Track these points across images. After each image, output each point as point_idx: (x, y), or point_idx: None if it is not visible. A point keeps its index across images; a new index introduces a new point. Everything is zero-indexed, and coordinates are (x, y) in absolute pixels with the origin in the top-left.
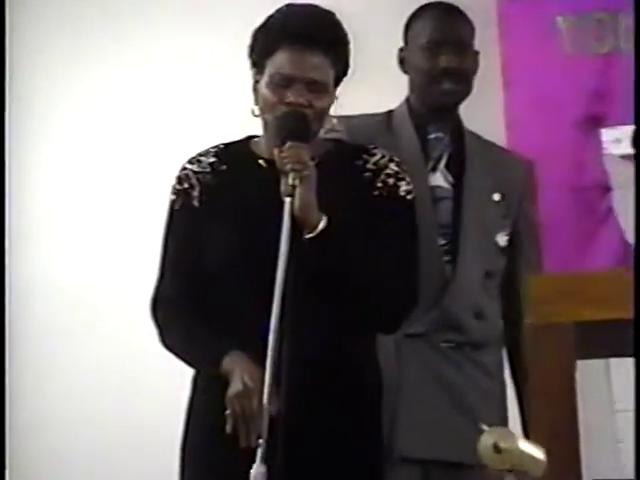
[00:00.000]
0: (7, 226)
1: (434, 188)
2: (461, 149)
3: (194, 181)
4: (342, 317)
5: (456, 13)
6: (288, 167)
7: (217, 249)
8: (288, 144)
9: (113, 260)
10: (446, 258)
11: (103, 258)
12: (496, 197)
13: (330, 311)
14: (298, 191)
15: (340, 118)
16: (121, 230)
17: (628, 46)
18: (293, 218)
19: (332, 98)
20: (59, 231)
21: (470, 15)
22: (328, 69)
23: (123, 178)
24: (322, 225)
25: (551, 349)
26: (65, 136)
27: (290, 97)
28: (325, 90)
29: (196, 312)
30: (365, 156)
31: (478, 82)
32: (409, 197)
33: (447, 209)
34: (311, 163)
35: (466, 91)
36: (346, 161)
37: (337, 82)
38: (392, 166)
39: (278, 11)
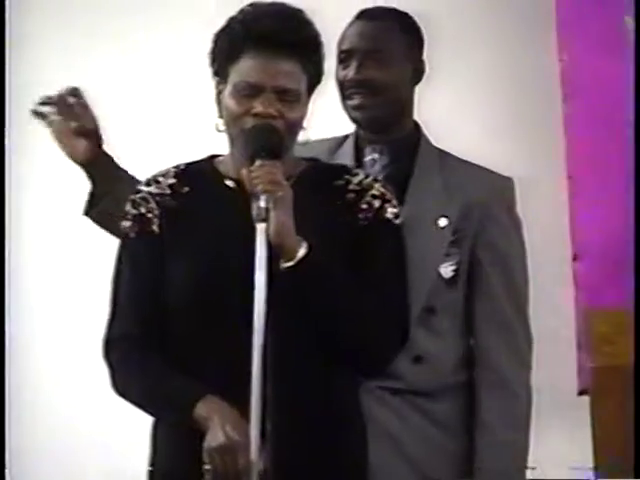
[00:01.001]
0: (7, 229)
1: None
2: (406, 172)
3: (152, 205)
4: (326, 357)
5: (383, 19)
6: (260, 188)
7: (181, 280)
8: (258, 162)
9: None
10: None
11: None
12: (442, 222)
13: (313, 350)
14: (273, 215)
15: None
16: None
17: None
18: (269, 245)
19: (306, 108)
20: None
21: (523, 15)
22: (300, 75)
23: None
24: (302, 253)
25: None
26: None
27: (258, 107)
28: (297, 99)
29: (158, 352)
30: (347, 176)
31: (532, 94)
32: (397, 221)
33: None
34: (285, 183)
35: (385, 106)
36: (325, 181)
37: (310, 90)
38: (378, 187)
39: (241, 12)
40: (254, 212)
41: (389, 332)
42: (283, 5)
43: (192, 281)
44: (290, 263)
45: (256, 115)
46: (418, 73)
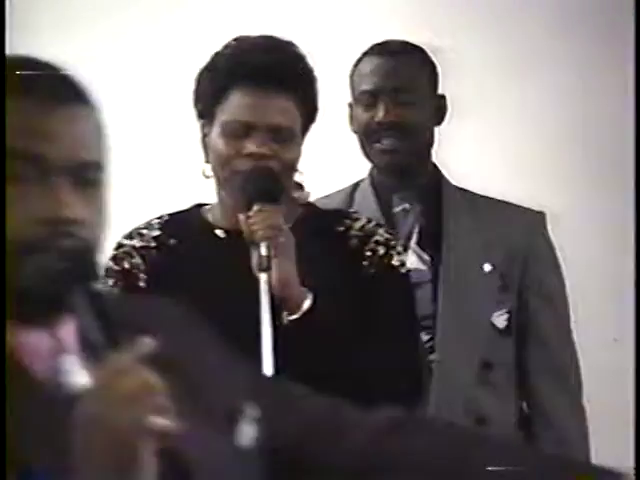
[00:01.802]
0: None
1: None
2: (437, 217)
3: (137, 259)
4: None
5: (403, 54)
6: (260, 234)
7: None
8: (256, 207)
9: None
10: (433, 357)
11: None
12: (487, 268)
13: None
14: (275, 263)
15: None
16: None
17: None
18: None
19: (300, 149)
20: None
21: (596, 32)
22: (294, 113)
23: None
24: (307, 304)
25: None
26: None
27: (250, 147)
28: (292, 138)
29: None
30: (347, 221)
31: (605, 148)
32: (403, 269)
33: (427, 296)
34: (286, 227)
35: (419, 146)
36: (325, 227)
37: (305, 129)
38: (381, 232)
39: (226, 46)
40: (254, 261)
41: (399, 387)
42: (272, 38)
43: None
44: (295, 316)
45: (249, 155)
46: (441, 111)
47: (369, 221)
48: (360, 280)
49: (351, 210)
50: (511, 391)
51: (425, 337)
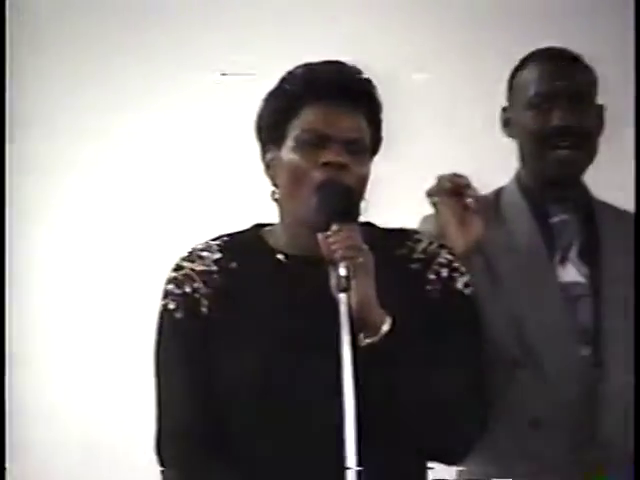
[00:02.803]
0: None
1: (567, 285)
2: (594, 229)
3: (198, 284)
4: (399, 445)
5: (568, 59)
6: (339, 255)
7: (238, 369)
8: (335, 226)
9: (117, 259)
10: (594, 373)
11: (107, 258)
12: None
13: (387, 439)
14: (354, 284)
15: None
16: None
17: None
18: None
19: (370, 168)
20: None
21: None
22: (366, 130)
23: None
24: (386, 327)
25: None
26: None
27: (328, 156)
28: (365, 154)
29: (217, 452)
30: (409, 243)
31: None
32: (467, 291)
33: (586, 309)
34: (365, 247)
35: (589, 157)
36: (386, 250)
37: (371, 152)
38: (444, 254)
39: (293, 71)
40: (333, 282)
41: (470, 419)
42: (340, 62)
43: (252, 369)
44: (373, 339)
45: (326, 165)
46: (601, 121)
47: (431, 242)
48: (424, 304)
49: (412, 230)
50: None
51: (584, 352)
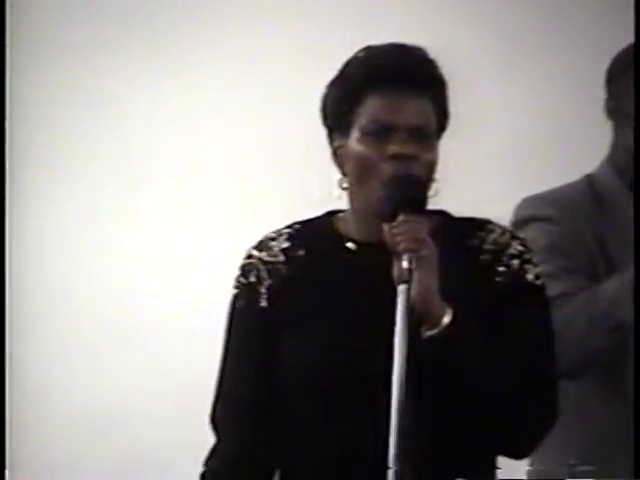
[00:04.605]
0: (7, 234)
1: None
2: None
3: (263, 273)
4: (464, 440)
5: None
6: (402, 246)
7: (299, 362)
8: (402, 217)
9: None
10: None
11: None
12: None
13: (451, 435)
14: (416, 276)
15: (538, 195)
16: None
17: None
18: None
19: (437, 153)
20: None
21: None
22: (431, 115)
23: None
24: (447, 319)
25: None
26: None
27: (394, 148)
28: (431, 140)
29: (264, 446)
30: (481, 233)
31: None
32: (539, 282)
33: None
34: (430, 240)
35: None
36: (457, 240)
37: (438, 134)
38: (515, 245)
39: (356, 56)
40: (395, 272)
41: (537, 410)
42: (401, 44)
43: (311, 364)
44: (434, 331)
45: (393, 157)
46: None
47: (503, 233)
48: (493, 296)
49: (484, 220)
50: None
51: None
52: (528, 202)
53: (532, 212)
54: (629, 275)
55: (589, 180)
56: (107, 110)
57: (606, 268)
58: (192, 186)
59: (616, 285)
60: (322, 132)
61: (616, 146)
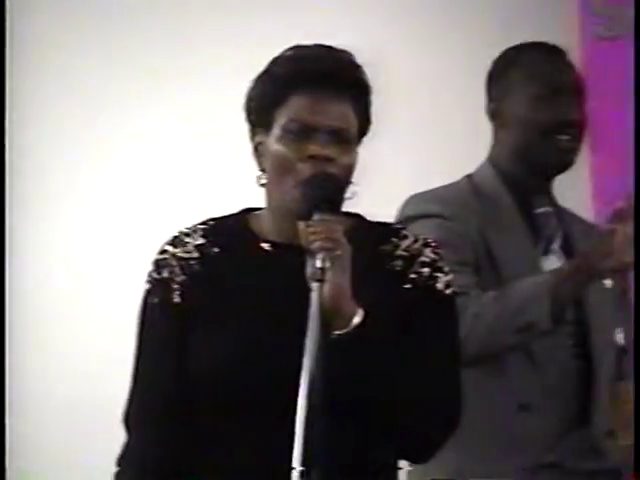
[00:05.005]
0: (7, 228)
1: None
2: (566, 225)
3: (176, 269)
4: (369, 442)
5: (564, 55)
6: (317, 245)
7: (206, 361)
8: (317, 216)
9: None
10: (575, 363)
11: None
12: (608, 283)
13: (357, 436)
14: (329, 275)
15: (425, 193)
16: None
17: None
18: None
19: (356, 157)
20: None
21: None
22: (352, 118)
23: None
24: (357, 320)
25: None
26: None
27: (313, 149)
28: (350, 143)
29: (175, 445)
30: (394, 239)
31: None
32: (448, 291)
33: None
34: (344, 240)
35: (580, 150)
36: (370, 244)
37: (359, 139)
38: (428, 252)
39: (283, 54)
40: (309, 271)
41: (441, 416)
42: (329, 46)
43: (221, 360)
44: (343, 331)
45: (311, 157)
46: None
47: (416, 240)
48: (403, 302)
49: (399, 227)
50: None
51: (568, 342)
52: (416, 200)
53: (421, 209)
54: (545, 276)
55: (471, 180)
56: None
57: (489, 265)
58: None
59: (529, 285)
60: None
61: (496, 147)
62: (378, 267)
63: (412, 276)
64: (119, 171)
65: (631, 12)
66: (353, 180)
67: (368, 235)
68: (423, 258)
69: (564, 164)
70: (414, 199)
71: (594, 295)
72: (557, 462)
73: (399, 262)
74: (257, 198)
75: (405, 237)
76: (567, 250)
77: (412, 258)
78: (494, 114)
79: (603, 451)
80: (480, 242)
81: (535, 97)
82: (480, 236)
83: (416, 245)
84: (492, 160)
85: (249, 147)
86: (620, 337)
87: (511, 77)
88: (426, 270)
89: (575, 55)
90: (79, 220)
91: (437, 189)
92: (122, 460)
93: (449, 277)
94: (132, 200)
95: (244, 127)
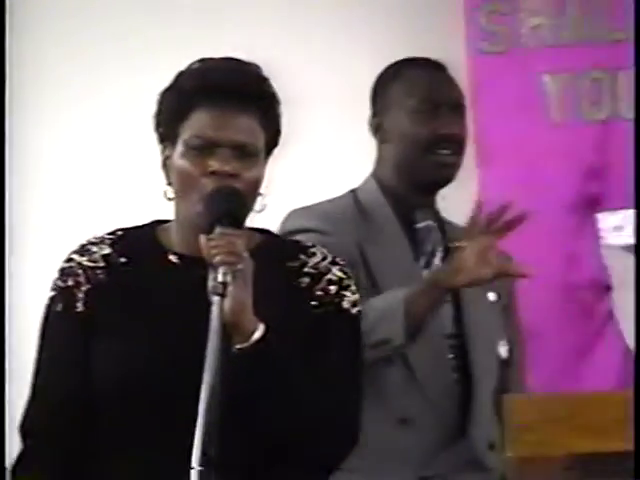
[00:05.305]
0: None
1: None
2: (449, 238)
3: (81, 278)
4: (273, 455)
5: (445, 70)
6: (218, 259)
7: (109, 368)
8: (219, 230)
9: None
10: (454, 376)
11: None
12: (492, 297)
13: (258, 447)
14: (230, 290)
15: (305, 208)
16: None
17: (630, 111)
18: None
19: (264, 170)
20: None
21: None
22: (258, 132)
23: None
24: (258, 334)
25: None
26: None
27: (214, 165)
28: (255, 157)
29: (75, 454)
30: (302, 256)
31: None
32: (354, 310)
33: (448, 315)
34: (246, 255)
35: (461, 164)
36: (279, 260)
37: (268, 151)
38: (335, 271)
39: (189, 67)
40: (210, 285)
41: (340, 432)
42: (236, 59)
43: (121, 372)
44: (243, 345)
45: (213, 174)
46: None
47: (324, 258)
48: (308, 320)
49: (309, 244)
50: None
51: (449, 355)
52: (296, 214)
53: (299, 224)
54: (399, 293)
55: (354, 195)
56: None
57: (368, 280)
58: None
59: (383, 302)
60: None
61: (380, 162)
62: (284, 283)
63: (318, 293)
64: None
65: (517, 28)
66: (262, 192)
67: (276, 251)
68: (330, 276)
69: (445, 179)
70: (294, 214)
71: (476, 308)
72: (438, 476)
73: (306, 279)
74: None
75: (313, 254)
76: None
77: (319, 275)
78: (376, 129)
79: (485, 464)
80: (359, 258)
81: (414, 112)
82: (359, 251)
83: (324, 263)
84: (376, 175)
85: None
86: (503, 350)
87: (392, 92)
88: (333, 288)
89: (461, 70)
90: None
91: (319, 204)
92: (18, 468)
93: (356, 296)
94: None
95: None
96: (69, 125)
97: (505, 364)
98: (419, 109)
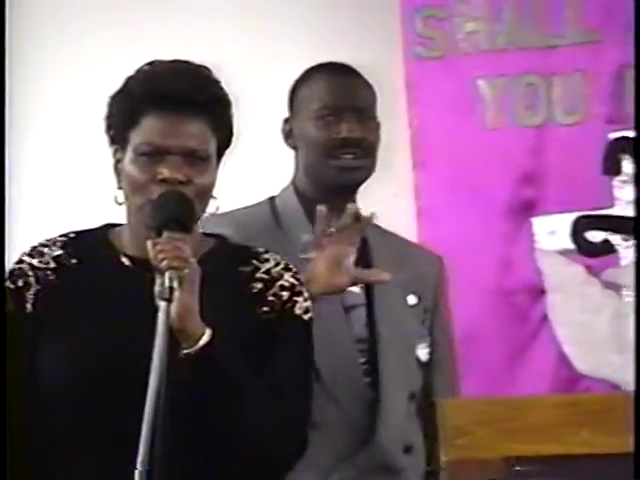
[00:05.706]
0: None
1: (344, 294)
2: (364, 242)
3: (31, 279)
4: (217, 460)
5: (353, 74)
6: (165, 264)
7: (57, 369)
8: (166, 234)
9: None
10: (366, 380)
11: None
12: (411, 300)
13: (205, 452)
14: (177, 295)
15: (222, 215)
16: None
17: (564, 116)
18: (169, 329)
19: (216, 174)
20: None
21: (370, 78)
22: (209, 137)
23: None
24: (205, 339)
25: None
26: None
27: (164, 173)
28: (207, 162)
29: (24, 452)
30: (255, 262)
31: (381, 161)
32: (306, 316)
33: (361, 319)
34: (193, 260)
35: (370, 168)
36: (230, 266)
37: (220, 154)
38: (288, 277)
39: (139, 71)
40: (156, 290)
41: (287, 439)
42: (187, 62)
43: (70, 374)
44: (190, 349)
45: (162, 181)
46: (379, 137)
47: (277, 263)
48: (259, 325)
49: (261, 250)
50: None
51: (360, 359)
52: (212, 221)
53: (219, 231)
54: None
55: (272, 202)
56: None
57: None
58: None
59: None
60: None
61: (297, 168)
62: (236, 288)
63: (270, 299)
64: None
65: (453, 33)
66: (215, 196)
67: (229, 256)
68: (283, 282)
69: (351, 182)
70: (210, 220)
71: (391, 312)
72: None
73: (258, 284)
74: None
75: (266, 260)
76: (363, 266)
77: (272, 281)
78: (287, 135)
79: (397, 468)
80: None
81: (317, 117)
82: None
83: (277, 269)
84: (293, 181)
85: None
86: (423, 353)
87: (300, 98)
88: (285, 294)
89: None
90: None
91: (235, 211)
92: None
93: (308, 303)
94: None
95: None
96: (67, 115)
97: (426, 367)
98: (321, 114)
